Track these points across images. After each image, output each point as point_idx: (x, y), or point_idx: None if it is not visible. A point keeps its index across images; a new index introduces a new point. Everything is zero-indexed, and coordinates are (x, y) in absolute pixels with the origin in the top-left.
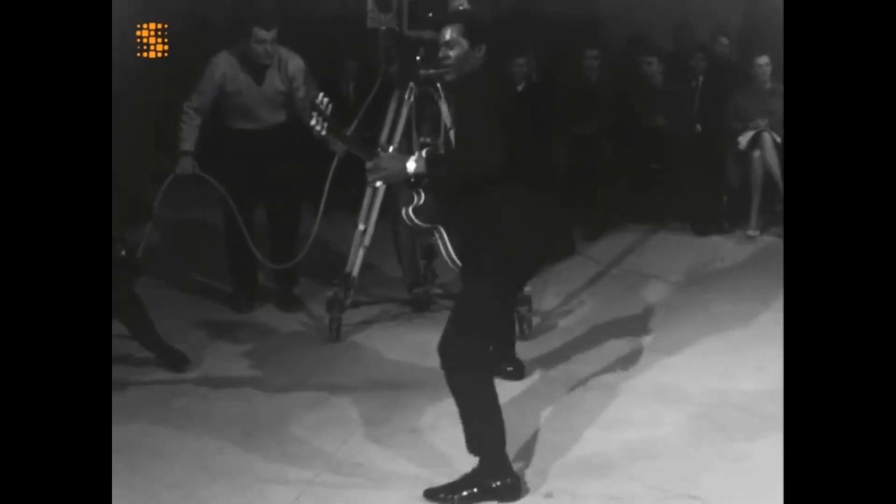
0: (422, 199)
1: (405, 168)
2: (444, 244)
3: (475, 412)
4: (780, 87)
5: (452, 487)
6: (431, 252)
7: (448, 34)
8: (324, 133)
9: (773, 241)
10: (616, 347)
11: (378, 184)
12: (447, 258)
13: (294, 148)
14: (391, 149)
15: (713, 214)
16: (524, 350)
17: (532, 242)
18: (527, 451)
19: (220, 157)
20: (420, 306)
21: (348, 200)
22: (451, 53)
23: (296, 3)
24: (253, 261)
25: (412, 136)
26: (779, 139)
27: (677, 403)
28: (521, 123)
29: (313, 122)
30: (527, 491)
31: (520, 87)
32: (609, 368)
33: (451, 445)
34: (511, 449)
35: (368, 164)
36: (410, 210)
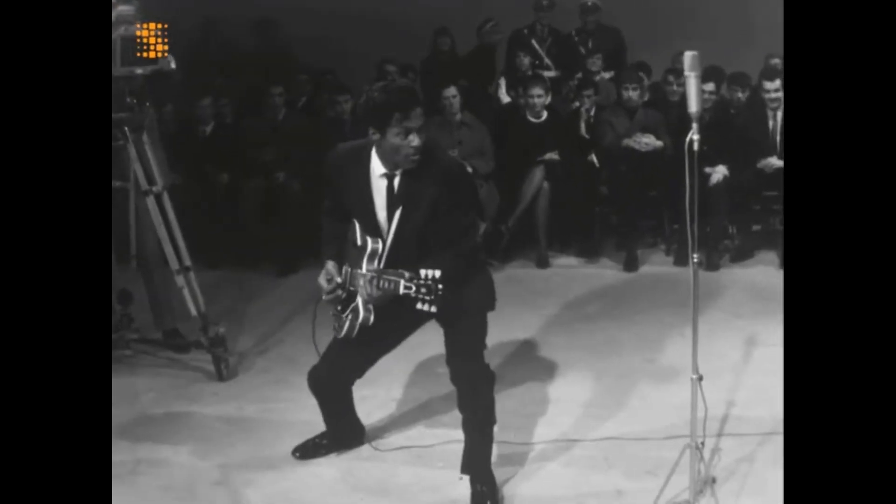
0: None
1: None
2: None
3: (487, 426)
4: (469, 118)
5: None
6: (127, 297)
7: (420, 118)
8: None
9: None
10: None
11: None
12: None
13: None
14: None
15: None
16: (221, 389)
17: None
18: None
19: None
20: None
21: None
22: (420, 142)
23: None
24: None
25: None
26: (469, 169)
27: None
28: None
29: None
30: None
31: (208, 128)
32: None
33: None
34: None
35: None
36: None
